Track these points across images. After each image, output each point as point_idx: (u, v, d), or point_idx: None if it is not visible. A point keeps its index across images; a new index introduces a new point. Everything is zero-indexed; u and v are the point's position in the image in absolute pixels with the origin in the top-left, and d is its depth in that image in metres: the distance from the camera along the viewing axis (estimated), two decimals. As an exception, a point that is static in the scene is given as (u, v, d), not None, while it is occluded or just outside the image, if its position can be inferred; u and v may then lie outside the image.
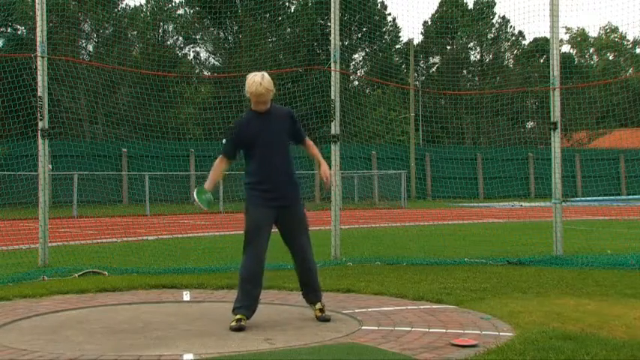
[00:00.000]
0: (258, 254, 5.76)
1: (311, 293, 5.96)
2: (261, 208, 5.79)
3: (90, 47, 38.45)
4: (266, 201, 5.78)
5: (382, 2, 44.55)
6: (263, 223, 5.79)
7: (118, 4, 37.77)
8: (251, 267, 5.73)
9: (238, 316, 5.58)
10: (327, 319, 5.78)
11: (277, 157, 5.81)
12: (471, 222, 20.27)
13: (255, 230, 5.78)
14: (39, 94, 9.33)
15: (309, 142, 6.09)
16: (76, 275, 8.51)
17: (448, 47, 49.22)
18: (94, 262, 9.79)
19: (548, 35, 10.24)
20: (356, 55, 45.64)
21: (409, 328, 5.45)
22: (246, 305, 5.65)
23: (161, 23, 41.00)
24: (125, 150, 31.69)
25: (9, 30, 39.26)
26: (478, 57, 50.15)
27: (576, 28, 60.61)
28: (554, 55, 9.95)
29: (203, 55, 43.41)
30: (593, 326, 5.38)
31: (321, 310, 5.87)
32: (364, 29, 44.36)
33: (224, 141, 6.08)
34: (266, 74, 5.82)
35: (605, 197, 33.27)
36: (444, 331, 5.35)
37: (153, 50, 36.73)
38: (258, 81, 5.73)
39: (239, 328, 5.47)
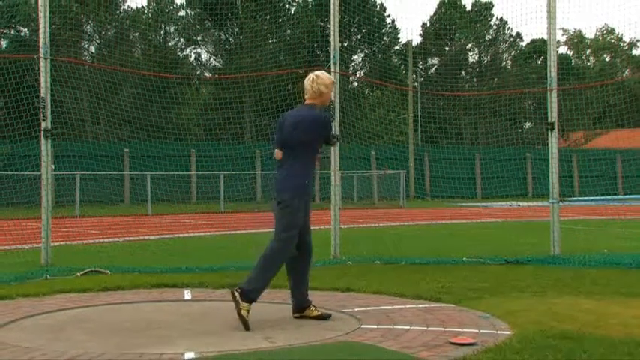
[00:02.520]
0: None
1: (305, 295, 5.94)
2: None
3: (92, 49, 38.45)
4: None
5: (381, 4, 44.60)
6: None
7: (120, 6, 37.79)
8: None
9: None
10: (326, 316, 5.78)
11: None
12: (469, 222, 20.27)
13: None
14: (42, 95, 9.33)
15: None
16: (79, 274, 8.51)
17: (446, 49, 49.21)
18: (97, 261, 9.78)
19: (545, 37, 10.24)
20: (355, 57, 45.65)
21: (408, 327, 5.44)
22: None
23: (163, 25, 40.96)
24: (127, 150, 31.68)
25: (12, 32, 39.23)
26: (476, 58, 50.14)
27: (573, 30, 60.62)
28: (551, 57, 9.95)
29: (204, 56, 43.43)
30: (590, 325, 5.38)
31: (317, 309, 5.86)
32: (363, 31, 44.37)
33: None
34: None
35: (602, 197, 33.27)
36: (443, 329, 5.35)
37: (154, 52, 36.72)
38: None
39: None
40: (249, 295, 5.53)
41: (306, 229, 5.93)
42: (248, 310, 5.47)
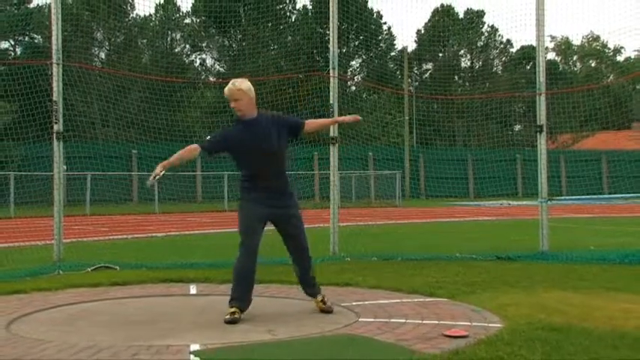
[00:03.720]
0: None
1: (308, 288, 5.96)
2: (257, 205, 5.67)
3: (102, 54, 38.46)
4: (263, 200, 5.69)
5: (378, 12, 44.60)
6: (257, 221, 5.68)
7: (129, 14, 37.77)
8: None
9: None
10: (329, 311, 5.78)
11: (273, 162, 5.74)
12: (462, 220, 20.27)
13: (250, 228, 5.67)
14: (54, 98, 9.31)
15: (308, 122, 5.98)
16: (89, 270, 8.51)
17: (440, 54, 49.22)
18: (106, 257, 9.78)
19: (534, 43, 10.24)
20: (353, 62, 45.65)
21: (404, 320, 5.44)
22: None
23: (169, 32, 40.98)
24: (135, 151, 31.67)
25: (26, 38, 39.26)
26: (469, 64, 50.18)
27: (561, 37, 60.68)
28: (540, 62, 9.95)
29: (209, 61, 43.45)
30: (577, 318, 5.38)
31: (323, 302, 5.86)
32: (361, 37, 44.36)
33: (209, 137, 5.89)
34: (246, 80, 5.68)
35: (588, 196, 33.31)
36: (437, 322, 5.35)
37: (161, 57, 36.74)
38: (232, 81, 5.66)
39: (232, 321, 5.43)
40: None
41: (301, 232, 5.87)
42: (232, 313, 5.46)
